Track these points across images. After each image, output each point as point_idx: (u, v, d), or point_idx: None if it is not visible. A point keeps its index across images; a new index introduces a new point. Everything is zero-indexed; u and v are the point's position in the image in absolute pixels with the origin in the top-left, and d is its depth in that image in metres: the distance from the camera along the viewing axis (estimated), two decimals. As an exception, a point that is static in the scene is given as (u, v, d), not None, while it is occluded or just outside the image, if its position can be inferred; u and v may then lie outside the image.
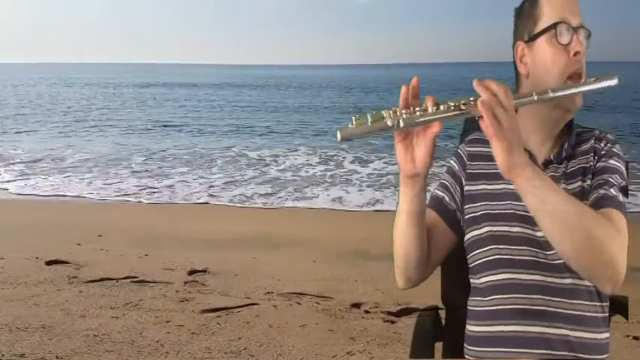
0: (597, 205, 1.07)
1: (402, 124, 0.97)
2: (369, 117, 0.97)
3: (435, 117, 0.99)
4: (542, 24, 1.12)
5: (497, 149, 0.97)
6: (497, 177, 1.17)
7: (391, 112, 0.98)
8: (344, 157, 10.18)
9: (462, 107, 0.99)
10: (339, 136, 0.96)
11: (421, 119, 0.99)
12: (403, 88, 1.00)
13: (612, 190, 1.09)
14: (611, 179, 1.11)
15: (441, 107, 0.99)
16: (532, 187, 0.98)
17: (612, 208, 1.06)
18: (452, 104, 0.99)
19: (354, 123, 0.97)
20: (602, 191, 1.09)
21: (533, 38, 1.14)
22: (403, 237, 1.15)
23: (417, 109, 0.99)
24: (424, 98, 1.01)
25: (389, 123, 0.97)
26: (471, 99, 0.99)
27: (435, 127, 1.00)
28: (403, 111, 0.98)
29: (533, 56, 1.14)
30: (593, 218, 1.00)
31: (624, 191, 1.11)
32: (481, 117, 0.98)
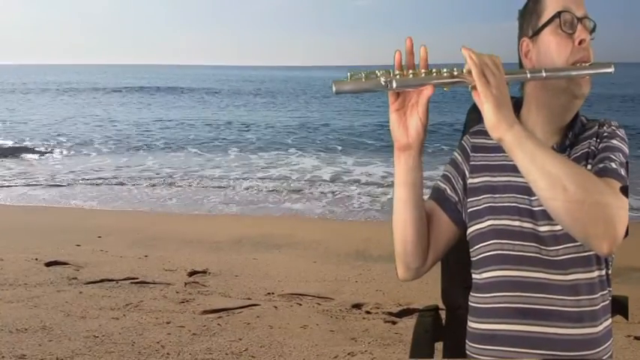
0: (597, 176, 1.03)
1: (394, 84, 1.00)
2: (363, 74, 1.00)
3: (428, 81, 1.01)
4: (546, 16, 1.12)
5: (484, 107, 0.98)
6: (500, 169, 1.17)
7: (385, 72, 1.01)
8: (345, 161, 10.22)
9: (455, 73, 1.01)
10: (334, 89, 0.99)
11: (415, 82, 1.01)
12: (397, 55, 1.02)
13: (612, 164, 1.07)
14: (612, 155, 1.09)
15: (434, 73, 1.01)
16: (520, 143, 0.97)
17: (611, 177, 1.04)
18: (445, 72, 1.01)
19: (349, 78, 0.99)
20: (601, 165, 1.07)
21: (537, 32, 1.13)
22: (401, 216, 1.15)
23: (411, 71, 1.01)
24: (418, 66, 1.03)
25: (382, 81, 1.00)
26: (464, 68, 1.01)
27: (428, 90, 1.02)
28: (396, 72, 1.01)
29: (538, 49, 1.14)
30: (586, 174, 0.99)
31: (626, 169, 1.08)
32: (473, 87, 0.99)
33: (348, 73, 0.99)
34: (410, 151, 1.09)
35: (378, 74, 1.00)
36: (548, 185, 0.96)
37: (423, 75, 1.01)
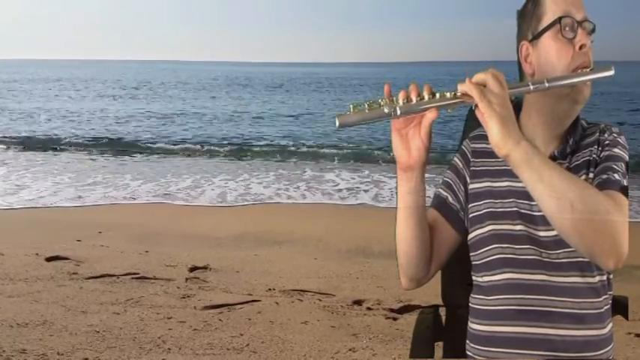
0: (600, 188, 1.04)
1: (398, 111, 0.99)
2: (366, 105, 0.99)
3: (431, 105, 1.00)
4: (546, 20, 1.11)
5: (488, 125, 0.97)
6: (501, 174, 1.17)
7: (388, 99, 1.00)
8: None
9: (458, 95, 1.00)
10: (337, 123, 0.98)
11: (417, 107, 1.00)
12: (386, 87, 1.01)
13: (616, 175, 1.07)
14: (615, 166, 1.09)
15: (437, 95, 1.00)
16: (528, 160, 0.96)
17: (614, 190, 1.04)
18: (448, 93, 1.00)
19: (351, 110, 0.98)
20: (604, 176, 1.07)
21: (537, 36, 1.12)
22: (403, 233, 1.15)
23: (414, 97, 1.00)
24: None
25: (386, 110, 0.99)
26: None
27: (431, 114, 1.01)
28: (400, 98, 1.00)
29: (538, 54, 1.12)
30: (593, 191, 0.99)
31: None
32: (477, 105, 0.98)
33: (350, 105, 0.98)
34: (412, 172, 1.09)
35: (382, 103, 0.99)
36: (556, 202, 0.96)
37: (425, 99, 1.00)
